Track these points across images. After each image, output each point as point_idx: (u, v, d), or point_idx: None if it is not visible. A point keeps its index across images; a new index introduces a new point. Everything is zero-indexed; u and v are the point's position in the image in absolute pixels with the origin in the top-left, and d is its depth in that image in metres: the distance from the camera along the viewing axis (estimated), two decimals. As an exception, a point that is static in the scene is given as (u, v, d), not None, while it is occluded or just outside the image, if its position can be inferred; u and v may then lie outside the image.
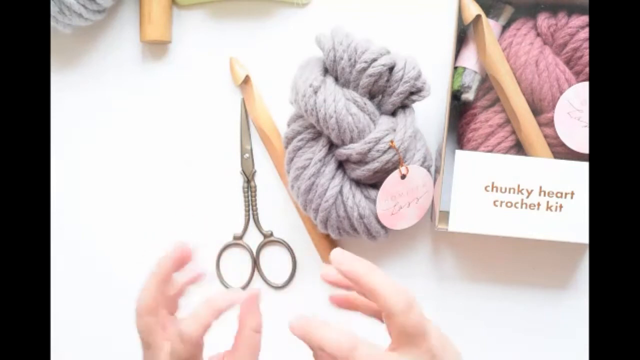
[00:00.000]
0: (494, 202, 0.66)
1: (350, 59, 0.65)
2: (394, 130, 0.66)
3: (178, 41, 0.75)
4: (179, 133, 0.75)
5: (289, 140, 0.69)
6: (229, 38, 0.74)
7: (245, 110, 0.75)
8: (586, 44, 0.66)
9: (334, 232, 0.69)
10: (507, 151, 0.69)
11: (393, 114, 0.68)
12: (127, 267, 0.76)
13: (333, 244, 0.74)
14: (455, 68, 0.69)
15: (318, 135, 0.68)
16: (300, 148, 0.68)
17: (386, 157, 0.66)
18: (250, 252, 0.76)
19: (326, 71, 0.67)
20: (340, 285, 0.53)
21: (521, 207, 0.66)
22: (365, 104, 0.66)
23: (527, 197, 0.66)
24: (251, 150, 0.75)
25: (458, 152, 0.66)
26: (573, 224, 0.66)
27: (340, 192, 0.68)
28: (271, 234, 0.76)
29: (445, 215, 0.67)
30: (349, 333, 0.49)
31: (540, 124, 0.68)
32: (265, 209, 0.76)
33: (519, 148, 0.69)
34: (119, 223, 0.76)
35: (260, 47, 0.74)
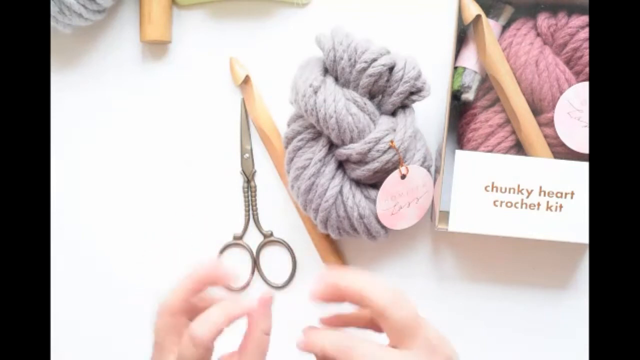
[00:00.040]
0: (494, 202, 0.66)
1: (350, 59, 0.65)
2: (394, 130, 0.66)
3: (178, 41, 0.75)
4: (179, 133, 0.75)
5: (289, 140, 0.69)
6: (229, 38, 0.74)
7: (245, 110, 0.75)
8: (586, 44, 0.66)
9: (334, 232, 0.69)
10: (507, 151, 0.69)
11: (393, 114, 0.68)
12: (127, 267, 0.76)
13: (333, 244, 0.74)
14: (455, 68, 0.69)
15: (318, 135, 0.68)
16: (300, 148, 0.68)
17: (386, 157, 0.66)
18: (250, 252, 0.76)
19: (326, 71, 0.67)
20: (331, 299, 0.53)
21: (521, 207, 0.66)
22: (365, 104, 0.66)
23: (527, 197, 0.66)
24: (251, 150, 0.75)
25: (458, 152, 0.66)
26: (573, 224, 0.66)
27: (340, 192, 0.68)
28: (271, 234, 0.76)
29: (445, 215, 0.67)
30: (346, 333, 0.50)
31: (540, 124, 0.68)
32: (265, 209, 0.76)
33: (519, 148, 0.69)
34: (119, 223, 0.76)
35: (260, 47, 0.74)
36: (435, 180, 0.70)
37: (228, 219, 0.75)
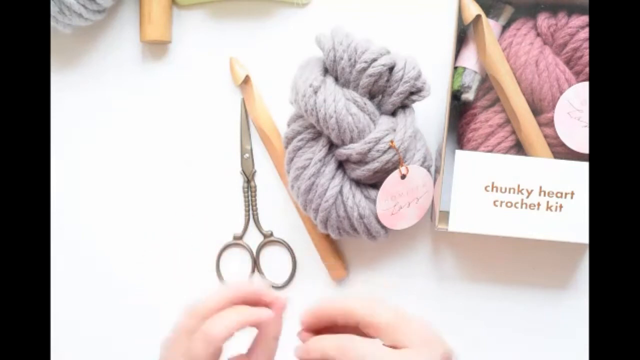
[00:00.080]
0: (494, 202, 0.66)
1: (350, 59, 0.65)
2: (394, 130, 0.66)
3: (178, 41, 0.75)
4: (179, 133, 0.75)
5: (289, 140, 0.69)
6: (229, 38, 0.74)
7: (245, 110, 0.75)
8: (586, 44, 0.66)
9: (334, 232, 0.69)
10: (507, 151, 0.69)
11: (393, 114, 0.68)
12: (127, 267, 0.76)
13: (333, 244, 0.74)
14: (455, 68, 0.69)
15: (318, 135, 0.68)
16: (300, 148, 0.68)
17: (386, 157, 0.66)
18: (250, 252, 0.76)
19: (326, 71, 0.67)
20: (319, 324, 0.54)
21: (521, 207, 0.66)
22: (365, 104, 0.66)
23: (527, 197, 0.66)
24: (251, 150, 0.75)
25: (458, 152, 0.66)
26: (573, 224, 0.66)
27: (340, 192, 0.68)
28: (271, 234, 0.76)
29: (445, 215, 0.67)
30: (343, 335, 0.51)
31: (540, 124, 0.68)
32: (265, 209, 0.76)
33: (519, 148, 0.69)
34: (119, 223, 0.76)
35: (260, 47, 0.74)
36: (435, 180, 0.70)
37: (228, 219, 0.75)
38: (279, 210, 0.75)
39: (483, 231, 0.66)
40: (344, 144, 0.66)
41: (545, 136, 0.68)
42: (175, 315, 0.76)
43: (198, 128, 0.75)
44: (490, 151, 0.69)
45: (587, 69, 0.67)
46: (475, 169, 0.66)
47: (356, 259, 0.75)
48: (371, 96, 0.67)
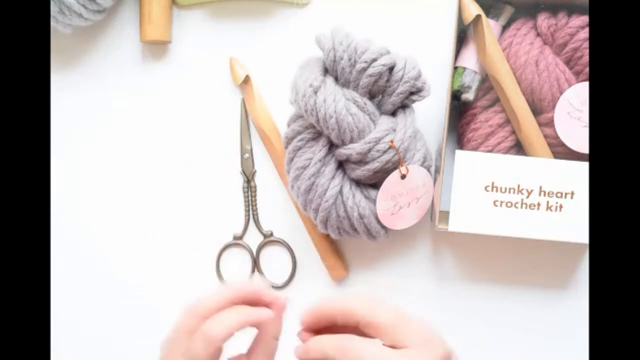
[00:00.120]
0: (494, 202, 0.66)
1: (350, 59, 0.65)
2: (394, 130, 0.66)
3: (178, 41, 0.75)
4: (179, 133, 0.75)
5: (289, 140, 0.69)
6: (229, 38, 0.74)
7: (245, 110, 0.75)
8: (586, 44, 0.66)
9: (334, 232, 0.69)
10: (507, 151, 0.69)
11: (393, 114, 0.68)
12: (127, 267, 0.76)
13: (333, 244, 0.74)
14: (455, 68, 0.69)
15: (318, 135, 0.68)
16: (300, 148, 0.69)
17: (386, 157, 0.66)
18: (250, 252, 0.76)
19: (326, 71, 0.67)
20: (319, 323, 0.53)
21: (521, 207, 0.66)
22: (365, 104, 0.66)
23: (527, 197, 0.66)
24: (251, 150, 0.75)
25: (458, 152, 0.66)
26: (573, 224, 0.66)
27: (340, 192, 0.68)
28: (271, 234, 0.76)
29: (445, 215, 0.67)
30: (343, 335, 0.50)
31: (540, 124, 0.68)
32: (265, 209, 0.76)
33: (519, 148, 0.69)
34: (119, 223, 0.76)
35: (260, 47, 0.74)
36: (435, 180, 0.70)
37: (228, 219, 0.75)
38: (279, 210, 0.75)
39: (483, 231, 0.66)
40: (344, 144, 0.66)
41: (545, 136, 0.68)
42: (175, 315, 0.76)
43: (198, 128, 0.75)
44: (490, 151, 0.69)
45: (587, 69, 0.67)
46: (475, 169, 0.66)
47: (356, 259, 0.75)
48: (371, 96, 0.67)
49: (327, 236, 0.73)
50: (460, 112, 0.71)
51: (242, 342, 0.54)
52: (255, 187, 0.75)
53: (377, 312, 0.50)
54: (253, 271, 0.76)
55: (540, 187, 0.65)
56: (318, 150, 0.67)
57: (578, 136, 0.67)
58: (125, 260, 0.76)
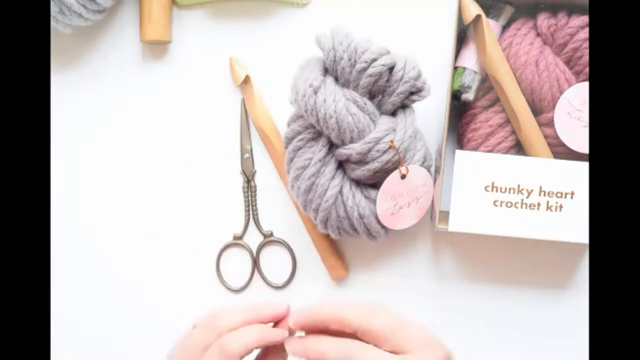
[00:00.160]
0: (494, 202, 0.66)
1: (350, 59, 0.65)
2: (394, 130, 0.66)
3: (178, 41, 0.75)
4: (179, 133, 0.75)
5: (289, 140, 0.69)
6: (229, 38, 0.74)
7: (245, 110, 0.75)
8: (586, 44, 0.66)
9: (334, 232, 0.69)
10: (507, 151, 0.69)
11: (393, 114, 0.68)
12: (127, 267, 0.76)
13: (333, 244, 0.74)
14: (455, 68, 0.69)
15: (318, 135, 0.68)
16: (300, 148, 0.68)
17: (386, 157, 0.66)
18: (250, 252, 0.76)
19: (326, 71, 0.67)
20: (313, 326, 0.53)
21: (521, 207, 0.66)
22: (365, 104, 0.66)
23: (527, 197, 0.66)
24: (251, 150, 0.75)
25: (458, 152, 0.66)
26: (573, 224, 0.66)
27: (340, 192, 0.68)
28: (271, 234, 0.76)
29: (445, 215, 0.67)
30: (345, 340, 0.50)
31: (540, 124, 0.68)
32: (265, 209, 0.76)
33: (519, 148, 0.69)
34: (119, 223, 0.76)
35: (260, 47, 0.74)
36: (435, 180, 0.70)
37: (228, 219, 0.76)
38: (279, 210, 0.75)
39: (483, 231, 0.66)
40: (344, 144, 0.66)
41: (545, 136, 0.68)
42: (173, 315, 0.76)
43: (198, 128, 0.75)
44: (490, 151, 0.69)
45: (587, 69, 0.67)
46: (475, 169, 0.66)
47: (356, 259, 0.75)
48: (371, 96, 0.67)
49: (327, 236, 0.73)
50: (460, 112, 0.71)
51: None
52: (255, 187, 0.75)
53: (374, 319, 0.50)
54: (253, 271, 0.76)
55: (540, 187, 0.65)
56: (318, 150, 0.67)
57: (578, 136, 0.67)
58: (125, 260, 0.76)
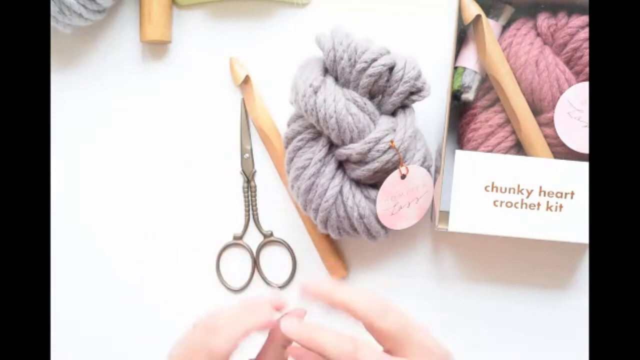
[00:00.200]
0: (494, 202, 0.66)
1: (350, 59, 0.65)
2: (394, 130, 0.66)
3: (178, 41, 0.75)
4: (179, 133, 0.75)
5: (289, 140, 0.69)
6: (229, 38, 0.74)
7: (245, 110, 0.75)
8: (586, 44, 0.66)
9: (334, 232, 0.69)
10: (507, 151, 0.69)
11: (393, 114, 0.68)
12: (127, 267, 0.76)
13: (333, 244, 0.74)
14: (455, 68, 0.69)
15: (318, 135, 0.68)
16: (300, 148, 0.69)
17: (386, 157, 0.66)
18: (250, 252, 0.76)
19: (326, 71, 0.67)
20: (320, 301, 0.52)
21: (521, 207, 0.66)
22: (365, 104, 0.66)
23: (527, 197, 0.66)
24: (251, 150, 0.75)
25: (458, 152, 0.66)
26: (573, 224, 0.66)
27: (340, 192, 0.68)
28: (271, 234, 0.76)
29: (445, 215, 0.67)
30: (349, 336, 0.49)
31: (540, 124, 0.68)
32: (265, 209, 0.76)
33: (519, 148, 0.69)
34: (119, 223, 0.76)
35: (260, 47, 0.74)
36: (435, 180, 0.70)
37: (228, 219, 0.75)
38: (279, 210, 0.75)
39: (483, 231, 0.66)
40: (344, 144, 0.66)
41: (545, 136, 0.68)
42: (173, 315, 0.76)
43: (198, 128, 0.75)
44: (490, 151, 0.69)
45: (587, 69, 0.67)
46: (475, 169, 0.66)
47: (356, 259, 0.75)
48: (371, 96, 0.67)
49: (327, 236, 0.73)
50: (460, 112, 0.71)
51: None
52: (255, 187, 0.75)
53: (385, 318, 0.49)
54: (253, 271, 0.76)
55: (540, 187, 0.65)
56: (318, 150, 0.67)
57: (578, 136, 0.67)
58: (125, 260, 0.76)
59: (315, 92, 0.65)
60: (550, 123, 0.68)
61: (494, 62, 0.67)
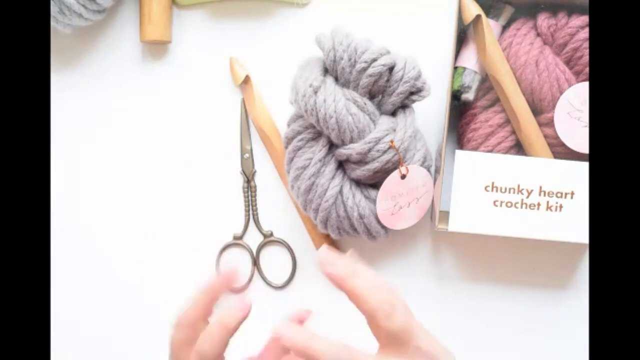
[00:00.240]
0: (494, 202, 0.66)
1: (350, 59, 0.65)
2: (394, 130, 0.66)
3: (178, 41, 0.75)
4: (179, 133, 0.75)
5: (289, 140, 0.69)
6: (229, 38, 0.74)
7: (245, 110, 0.75)
8: (586, 44, 0.66)
9: (334, 232, 0.69)
10: (507, 151, 0.69)
11: (393, 114, 0.68)
12: (127, 267, 0.76)
13: (333, 244, 0.74)
14: (455, 68, 0.69)
15: (318, 135, 0.68)
16: (300, 148, 0.69)
17: (386, 157, 0.66)
18: (250, 252, 0.76)
19: (326, 71, 0.67)
20: (331, 280, 0.51)
21: (521, 207, 0.66)
22: (365, 104, 0.66)
23: (527, 197, 0.66)
24: (251, 150, 0.75)
25: (458, 152, 0.66)
26: (573, 224, 0.66)
27: (340, 192, 0.68)
28: (271, 234, 0.76)
29: (445, 215, 0.67)
30: (343, 344, 0.48)
31: (540, 124, 0.68)
32: (265, 209, 0.76)
33: (519, 148, 0.69)
34: (119, 223, 0.76)
35: (260, 47, 0.74)
36: (435, 180, 0.70)
37: (228, 219, 0.75)
38: (279, 210, 0.75)
39: (483, 231, 0.66)
40: (344, 144, 0.66)
41: (545, 136, 0.68)
42: (172, 314, 0.76)
43: (198, 128, 0.75)
44: (490, 151, 0.69)
45: (587, 69, 0.67)
46: (475, 169, 0.66)
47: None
48: (371, 96, 0.67)
49: (327, 236, 0.73)
50: (460, 112, 0.71)
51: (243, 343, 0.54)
52: (255, 187, 0.75)
53: (392, 316, 0.48)
54: (253, 271, 0.76)
55: (540, 187, 0.65)
56: (318, 150, 0.67)
57: (578, 136, 0.67)
58: (125, 260, 0.76)
59: (315, 92, 0.65)
60: (550, 123, 0.68)
61: (494, 62, 0.67)
